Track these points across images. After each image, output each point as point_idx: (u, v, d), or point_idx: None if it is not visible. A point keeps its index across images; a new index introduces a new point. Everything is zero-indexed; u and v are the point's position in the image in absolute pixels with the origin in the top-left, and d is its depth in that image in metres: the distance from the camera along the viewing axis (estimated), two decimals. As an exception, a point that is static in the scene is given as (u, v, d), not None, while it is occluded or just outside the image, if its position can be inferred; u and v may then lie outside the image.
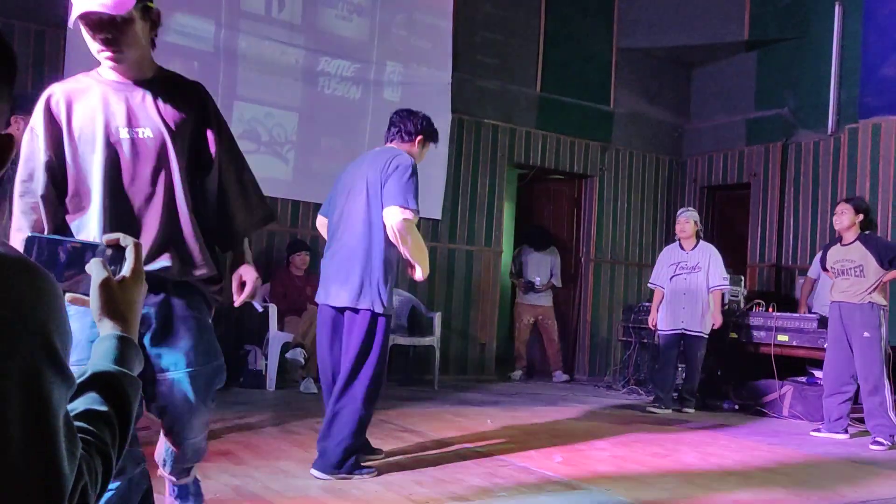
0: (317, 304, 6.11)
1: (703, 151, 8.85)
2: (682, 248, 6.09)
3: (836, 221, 5.20)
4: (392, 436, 4.25)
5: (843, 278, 5.09)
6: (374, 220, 3.38)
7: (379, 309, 3.35)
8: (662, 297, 6.13)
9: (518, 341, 8.03)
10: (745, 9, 8.06)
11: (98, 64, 2.09)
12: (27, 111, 3.91)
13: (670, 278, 6.07)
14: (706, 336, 5.98)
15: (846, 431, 5.15)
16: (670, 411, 5.94)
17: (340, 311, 3.47)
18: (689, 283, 5.94)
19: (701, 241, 6.08)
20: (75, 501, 0.78)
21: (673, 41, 8.48)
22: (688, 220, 6.03)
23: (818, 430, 5.20)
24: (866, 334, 4.94)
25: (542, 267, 7.99)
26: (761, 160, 8.13)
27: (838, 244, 5.21)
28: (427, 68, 7.35)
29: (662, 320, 6.13)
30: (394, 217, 3.29)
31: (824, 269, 5.41)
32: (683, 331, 5.98)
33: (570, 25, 8.25)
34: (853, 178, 6.86)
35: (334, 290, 3.43)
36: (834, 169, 7.37)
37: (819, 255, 5.56)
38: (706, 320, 5.96)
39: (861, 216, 5.12)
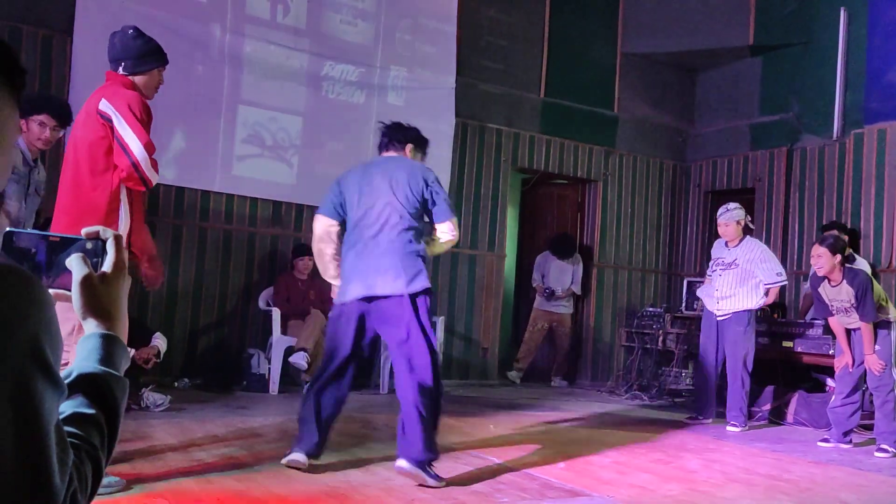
0: (319, 309, 6.15)
1: (708, 156, 8.84)
2: (726, 244, 5.91)
3: (815, 264, 4.92)
4: (394, 441, 4.24)
5: (843, 315, 5.01)
6: (405, 219, 3.55)
7: (429, 284, 3.57)
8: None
9: (525, 344, 7.95)
10: (749, 14, 8.06)
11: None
12: (30, 112, 3.91)
13: (710, 273, 5.93)
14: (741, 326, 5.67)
15: (850, 441, 5.12)
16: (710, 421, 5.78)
17: (371, 301, 3.54)
18: (723, 280, 5.79)
19: (746, 238, 5.78)
20: None
21: (677, 46, 8.48)
22: (727, 224, 5.72)
23: (826, 441, 5.15)
24: (877, 347, 4.93)
25: (564, 275, 7.95)
26: (766, 165, 8.12)
27: (827, 282, 4.98)
28: (431, 73, 7.35)
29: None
30: (451, 233, 3.68)
31: (817, 297, 5.13)
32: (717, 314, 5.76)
33: (573, 30, 8.25)
34: (858, 183, 6.84)
35: (380, 282, 3.49)
36: (839, 174, 7.35)
37: (810, 280, 5.25)
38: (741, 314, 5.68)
39: (839, 256, 4.87)
